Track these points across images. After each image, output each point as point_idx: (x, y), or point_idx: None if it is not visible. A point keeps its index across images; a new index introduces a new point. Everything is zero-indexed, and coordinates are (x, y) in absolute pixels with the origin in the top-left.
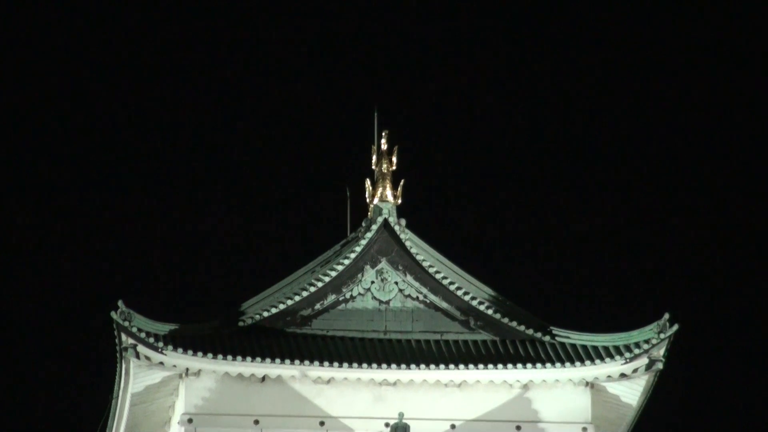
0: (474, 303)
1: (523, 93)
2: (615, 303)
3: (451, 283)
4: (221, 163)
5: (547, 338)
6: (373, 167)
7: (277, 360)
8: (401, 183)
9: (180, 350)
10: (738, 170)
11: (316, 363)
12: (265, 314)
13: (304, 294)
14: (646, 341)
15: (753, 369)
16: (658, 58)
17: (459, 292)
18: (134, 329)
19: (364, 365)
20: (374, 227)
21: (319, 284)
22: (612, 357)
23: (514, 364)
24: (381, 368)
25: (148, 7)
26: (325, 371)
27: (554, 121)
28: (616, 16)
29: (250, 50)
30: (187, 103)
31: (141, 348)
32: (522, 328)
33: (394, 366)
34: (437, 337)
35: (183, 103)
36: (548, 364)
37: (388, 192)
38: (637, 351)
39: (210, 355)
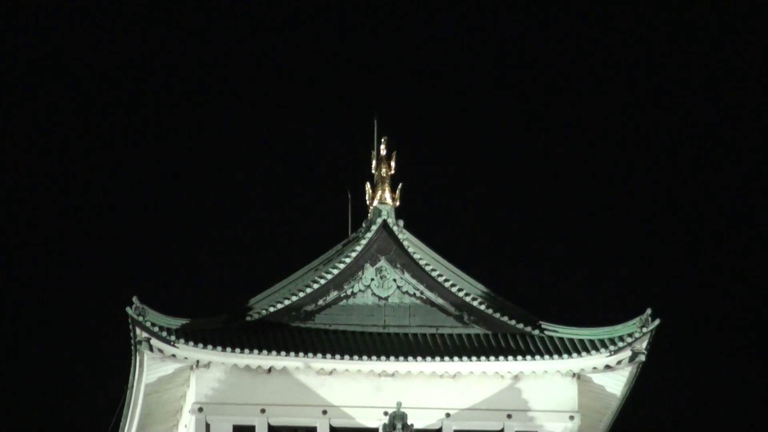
0: (468, 299)
1: (511, 103)
2: (600, 299)
3: (446, 280)
4: (230, 168)
5: (536, 332)
6: (373, 171)
7: (283, 352)
8: (399, 186)
9: (191, 343)
10: (717, 170)
11: (319, 355)
12: (271, 309)
13: (308, 290)
14: (630, 335)
15: (732, 361)
16: (643, 56)
17: (453, 289)
18: (148, 324)
19: (365, 357)
20: (374, 228)
21: (322, 281)
22: (597, 350)
23: (506, 357)
24: (380, 360)
25: (149, 14)
26: (327, 363)
27: (538, 126)
28: (607, 23)
29: (260, 62)
30: (203, 112)
31: (154, 341)
32: (513, 322)
33: (392, 358)
34: (433, 331)
35: (199, 111)
36: (537, 357)
37: (387, 195)
38: (620, 344)
39: (219, 347)
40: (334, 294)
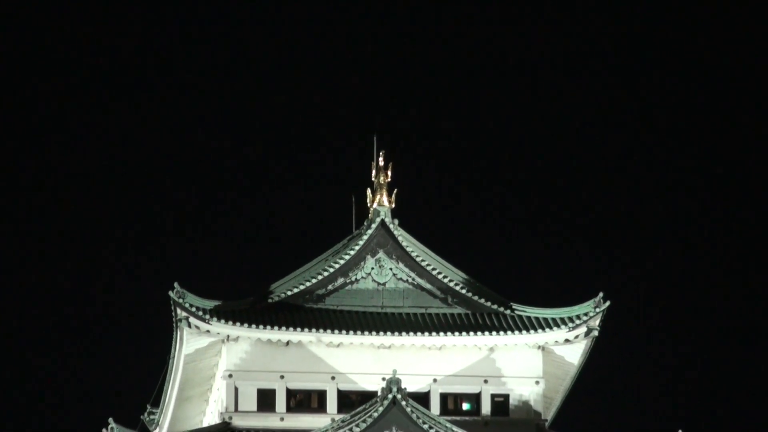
0: (451, 284)
1: (490, 121)
2: (561, 284)
3: (434, 269)
4: (257, 180)
5: (508, 312)
6: (373, 179)
7: (298, 329)
8: (395, 191)
9: (222, 321)
10: (674, 163)
11: (329, 331)
12: (289, 293)
13: (319, 277)
14: (585, 314)
15: (670, 338)
16: (626, 55)
17: (440, 276)
18: (187, 305)
19: (366, 333)
20: (374, 226)
21: (331, 270)
22: (558, 326)
23: (483, 332)
24: (379, 335)
25: (152, 15)
26: (335, 337)
27: (510, 136)
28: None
29: (271, 79)
30: (236, 132)
31: (192, 320)
32: (489, 304)
33: (389, 333)
34: (423, 311)
35: (231, 129)
36: (509, 332)
37: (385, 198)
38: (578, 321)
39: (246, 324)
40: (340, 280)
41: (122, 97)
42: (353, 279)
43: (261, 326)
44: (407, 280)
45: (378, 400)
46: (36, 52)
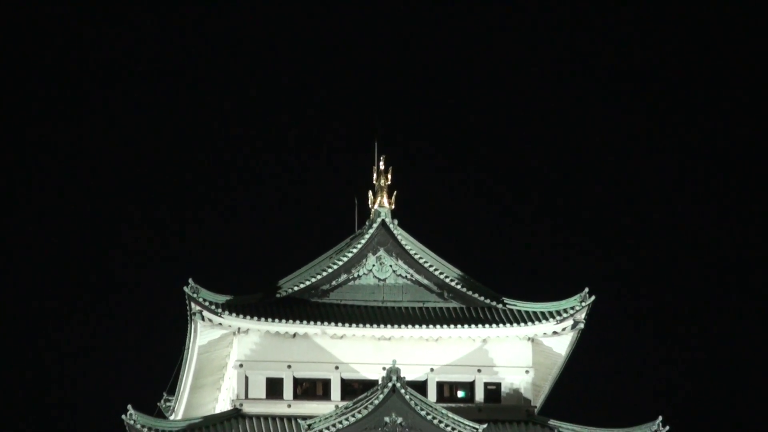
0: (447, 280)
1: (483, 127)
2: (550, 280)
3: (431, 266)
4: (270, 185)
5: (500, 306)
6: (374, 182)
7: (304, 322)
8: (394, 194)
9: (234, 315)
10: (650, 160)
11: (333, 324)
12: (296, 288)
13: (324, 274)
14: (572, 308)
15: (653, 329)
16: (618, 57)
17: (436, 273)
18: (201, 299)
19: (368, 325)
20: (375, 225)
21: (335, 267)
22: (547, 319)
23: (476, 325)
24: (380, 327)
25: (155, 17)
26: (339, 329)
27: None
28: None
29: (279, 89)
30: (256, 143)
31: (206, 313)
32: (482, 298)
33: (389, 326)
34: (420, 305)
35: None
36: (501, 325)
37: (385, 200)
38: (565, 315)
39: (255, 318)
40: (344, 276)
41: (136, 93)
42: (356, 275)
43: (270, 319)
44: (406, 276)
45: (379, 388)
46: (36, 52)
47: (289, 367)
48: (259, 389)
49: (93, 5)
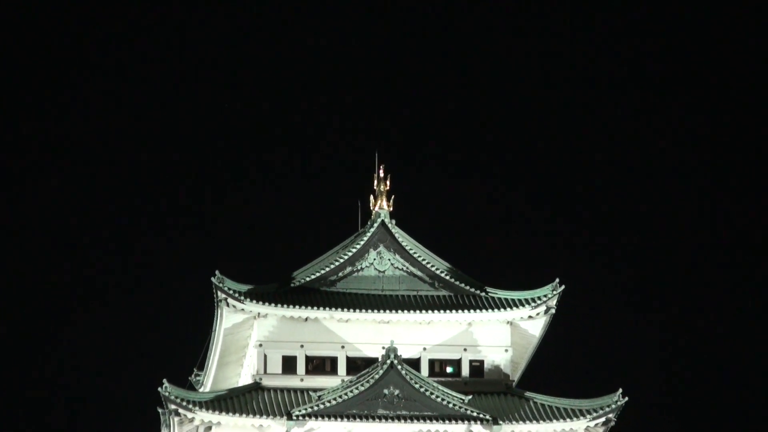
0: (437, 272)
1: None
2: (526, 271)
3: (424, 259)
4: (288, 192)
5: (483, 294)
6: (375, 188)
7: (315, 307)
8: (392, 198)
9: (254, 301)
10: (625, 158)
11: (339, 309)
12: (308, 279)
13: (332, 266)
14: (545, 295)
15: (615, 316)
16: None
17: (428, 265)
18: (226, 288)
19: (369, 311)
20: (375, 225)
21: (341, 260)
22: (523, 305)
23: (462, 310)
24: (379, 312)
25: (162, 21)
26: (344, 314)
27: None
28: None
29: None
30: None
31: (230, 300)
32: (467, 287)
33: (388, 311)
34: (414, 293)
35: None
36: (483, 310)
37: (384, 203)
38: (539, 302)
39: (273, 304)
40: (348, 269)
41: (165, 98)
42: (359, 268)
43: (285, 305)
44: (402, 269)
45: (379, 364)
46: (37, 52)
47: (302, 346)
48: (276, 365)
49: (93, 5)
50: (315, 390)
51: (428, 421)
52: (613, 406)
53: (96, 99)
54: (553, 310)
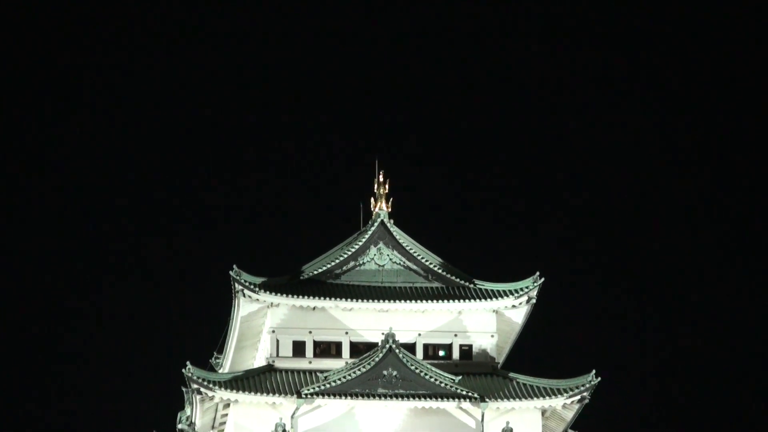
0: (431, 266)
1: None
2: (510, 266)
3: (418, 255)
4: (293, 191)
5: (471, 286)
6: (375, 191)
7: (322, 298)
8: (391, 200)
9: (268, 292)
10: (602, 153)
11: (344, 299)
12: (315, 272)
13: (337, 261)
14: (526, 287)
15: (592, 303)
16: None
17: (423, 260)
18: (243, 281)
19: (370, 300)
20: (376, 224)
21: (345, 256)
22: (507, 296)
23: (453, 300)
24: (379, 302)
25: (165, 28)
26: (348, 304)
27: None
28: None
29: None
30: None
31: (246, 291)
32: (458, 280)
33: (387, 301)
34: (410, 285)
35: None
36: (472, 300)
37: (383, 205)
38: (521, 293)
39: (284, 295)
40: (352, 263)
41: (182, 100)
42: (361, 262)
43: (295, 296)
44: (400, 263)
45: (379, 348)
46: (37, 52)
47: (310, 332)
48: (287, 349)
49: (94, 5)
50: (322, 371)
51: (423, 399)
52: (587, 385)
53: (113, 95)
54: (534, 300)
